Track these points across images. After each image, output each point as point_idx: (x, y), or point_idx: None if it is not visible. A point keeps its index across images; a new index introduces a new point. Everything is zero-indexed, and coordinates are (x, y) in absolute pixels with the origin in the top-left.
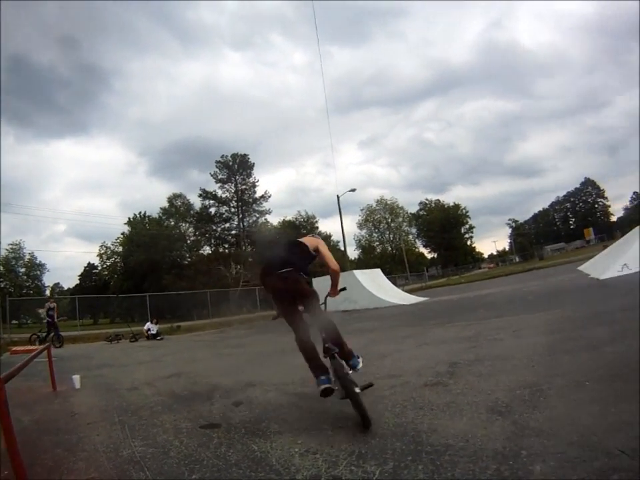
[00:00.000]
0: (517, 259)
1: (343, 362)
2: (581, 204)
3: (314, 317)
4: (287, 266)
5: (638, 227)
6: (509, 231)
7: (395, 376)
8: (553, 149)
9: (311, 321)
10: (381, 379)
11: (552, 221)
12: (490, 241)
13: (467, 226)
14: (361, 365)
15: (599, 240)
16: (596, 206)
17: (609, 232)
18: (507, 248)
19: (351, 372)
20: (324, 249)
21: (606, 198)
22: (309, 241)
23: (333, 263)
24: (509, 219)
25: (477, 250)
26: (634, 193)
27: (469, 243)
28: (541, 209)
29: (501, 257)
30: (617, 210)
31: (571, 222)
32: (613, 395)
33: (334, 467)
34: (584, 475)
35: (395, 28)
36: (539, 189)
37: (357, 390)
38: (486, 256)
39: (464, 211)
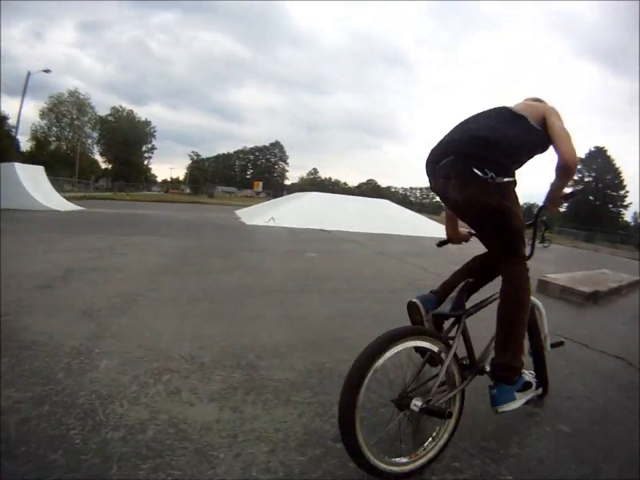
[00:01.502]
0: (188, 191)
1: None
2: (263, 160)
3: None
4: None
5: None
6: (189, 162)
7: (11, 276)
8: (260, 107)
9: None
10: None
11: (232, 166)
12: (167, 167)
13: (150, 145)
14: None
15: (266, 194)
16: (276, 166)
17: (279, 190)
18: (182, 178)
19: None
20: (558, 121)
21: (287, 163)
22: (528, 106)
23: (568, 151)
24: (193, 151)
25: (153, 172)
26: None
27: (146, 162)
28: (226, 152)
29: (173, 184)
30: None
31: (248, 172)
32: (196, 314)
33: None
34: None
35: None
36: (230, 134)
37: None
38: (159, 180)
39: (152, 129)
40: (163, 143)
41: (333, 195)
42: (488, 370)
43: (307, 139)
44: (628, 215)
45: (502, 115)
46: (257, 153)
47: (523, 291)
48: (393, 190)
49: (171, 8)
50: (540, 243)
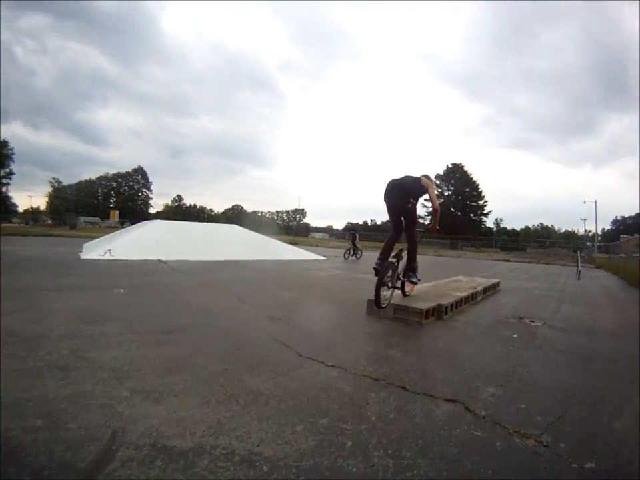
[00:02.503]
0: (50, 221)
1: (403, 269)
2: (126, 187)
3: (408, 232)
4: (403, 188)
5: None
6: (50, 189)
7: None
8: (124, 128)
9: (406, 235)
10: None
11: (95, 194)
12: (27, 195)
13: (8, 170)
14: (415, 280)
15: (130, 223)
16: (139, 194)
17: (143, 219)
18: (43, 207)
19: (402, 278)
20: (432, 190)
21: (151, 190)
22: (424, 179)
23: (435, 203)
24: (53, 177)
25: (13, 201)
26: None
27: (4, 189)
28: (88, 179)
29: (34, 214)
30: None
31: (112, 200)
32: None
33: None
34: None
35: None
36: (93, 158)
37: (399, 280)
38: (21, 210)
39: (9, 151)
40: (21, 167)
41: (178, 222)
42: (403, 274)
43: (171, 164)
44: (490, 222)
45: (415, 180)
46: (120, 180)
47: (415, 246)
48: (260, 214)
49: (47, 10)
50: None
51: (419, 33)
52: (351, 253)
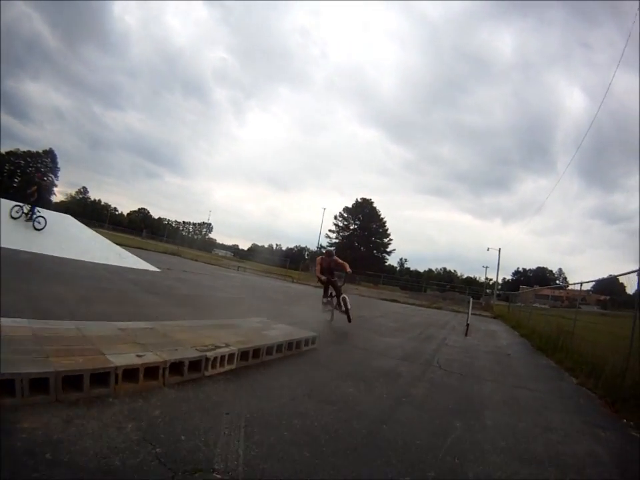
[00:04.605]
0: None
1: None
2: (33, 168)
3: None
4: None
5: None
6: None
7: None
8: (50, 107)
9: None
10: None
11: (2, 169)
12: None
13: None
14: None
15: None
16: (45, 178)
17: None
18: None
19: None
20: (345, 264)
21: (57, 177)
22: (341, 261)
23: (348, 268)
24: None
25: None
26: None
27: None
28: None
29: None
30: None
31: (16, 179)
32: None
33: None
34: None
35: None
36: (9, 130)
37: (344, 306)
38: None
39: None
40: None
41: None
42: (343, 307)
43: (89, 154)
44: (394, 260)
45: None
46: (29, 159)
47: (342, 291)
48: (166, 222)
49: None
50: None
51: (357, 71)
52: None
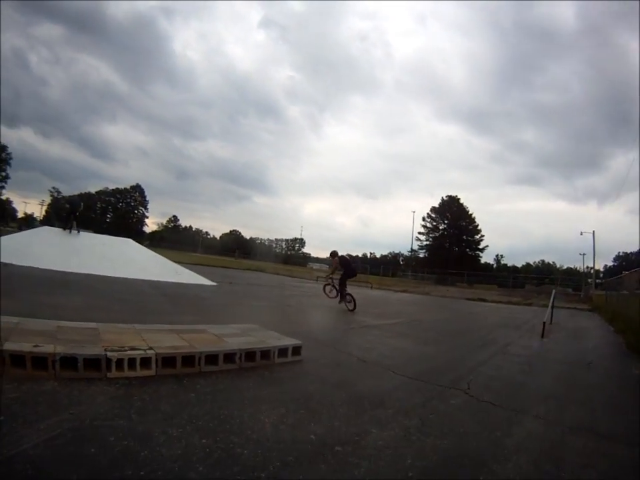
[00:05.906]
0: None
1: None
2: (123, 204)
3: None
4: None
5: None
6: (51, 198)
7: None
8: (130, 146)
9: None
10: None
11: (94, 207)
12: (22, 201)
13: (3, 174)
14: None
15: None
16: (135, 211)
17: (141, 238)
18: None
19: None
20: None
21: (147, 209)
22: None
23: (334, 264)
24: (53, 187)
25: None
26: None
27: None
28: (89, 192)
29: (27, 221)
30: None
31: (109, 215)
32: None
33: None
34: None
35: None
36: (98, 173)
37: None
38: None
39: (7, 156)
40: (29, 174)
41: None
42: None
43: (177, 185)
44: (490, 257)
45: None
46: (118, 196)
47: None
48: (259, 241)
49: (59, 21)
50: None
51: (425, 67)
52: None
